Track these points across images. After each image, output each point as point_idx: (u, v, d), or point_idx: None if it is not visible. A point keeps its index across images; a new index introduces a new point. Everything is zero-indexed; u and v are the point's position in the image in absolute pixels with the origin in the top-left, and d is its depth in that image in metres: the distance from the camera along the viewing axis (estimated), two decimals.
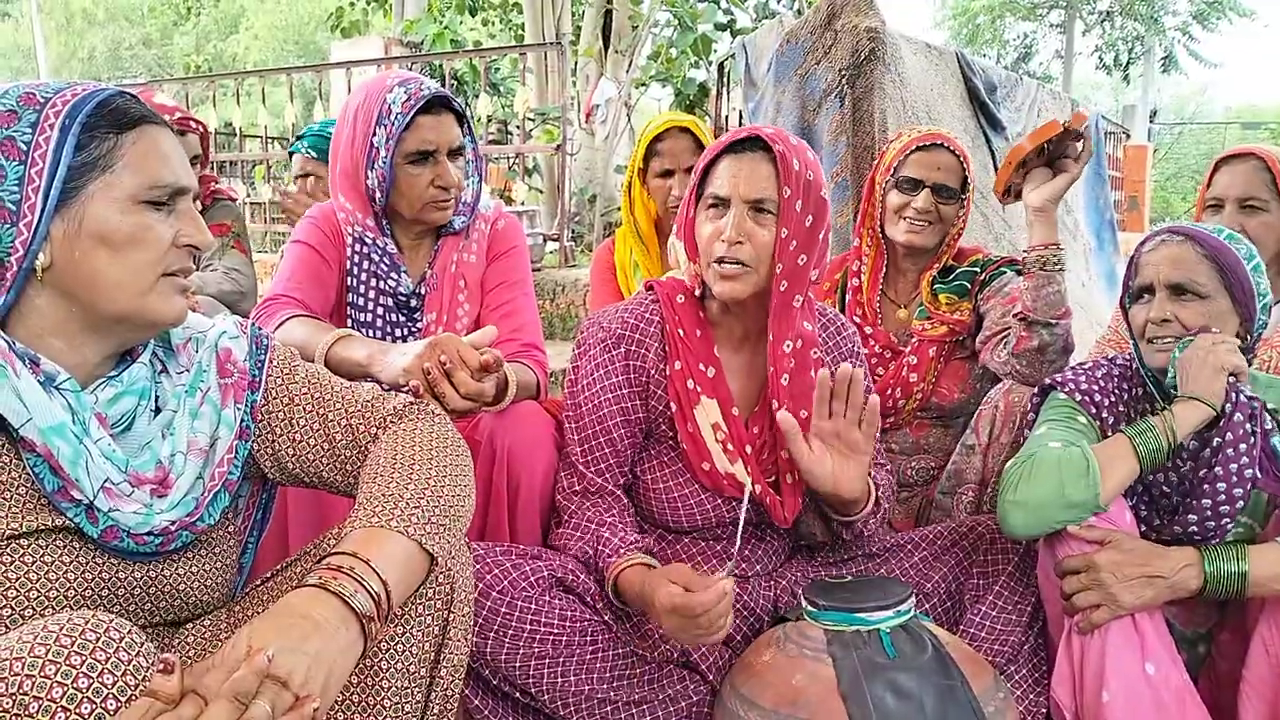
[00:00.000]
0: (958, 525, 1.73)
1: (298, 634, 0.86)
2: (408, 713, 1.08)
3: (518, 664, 1.46)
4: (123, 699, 0.79)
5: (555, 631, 1.48)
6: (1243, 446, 1.45)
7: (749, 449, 1.63)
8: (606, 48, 7.68)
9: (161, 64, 25.00)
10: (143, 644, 0.83)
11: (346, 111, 1.86)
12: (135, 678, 0.80)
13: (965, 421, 2.06)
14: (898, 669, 1.34)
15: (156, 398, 1.14)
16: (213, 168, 2.67)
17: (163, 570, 1.11)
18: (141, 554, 1.08)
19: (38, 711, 0.76)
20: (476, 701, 1.50)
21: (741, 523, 1.40)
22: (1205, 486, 1.47)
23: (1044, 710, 1.56)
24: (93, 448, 1.03)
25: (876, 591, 1.46)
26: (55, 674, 0.77)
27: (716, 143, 1.61)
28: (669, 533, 1.70)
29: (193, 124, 2.57)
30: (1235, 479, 1.46)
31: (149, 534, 1.07)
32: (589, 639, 1.51)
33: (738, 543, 1.41)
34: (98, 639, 0.80)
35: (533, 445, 1.68)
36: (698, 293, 1.64)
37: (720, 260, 1.54)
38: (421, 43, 8.32)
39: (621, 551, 1.52)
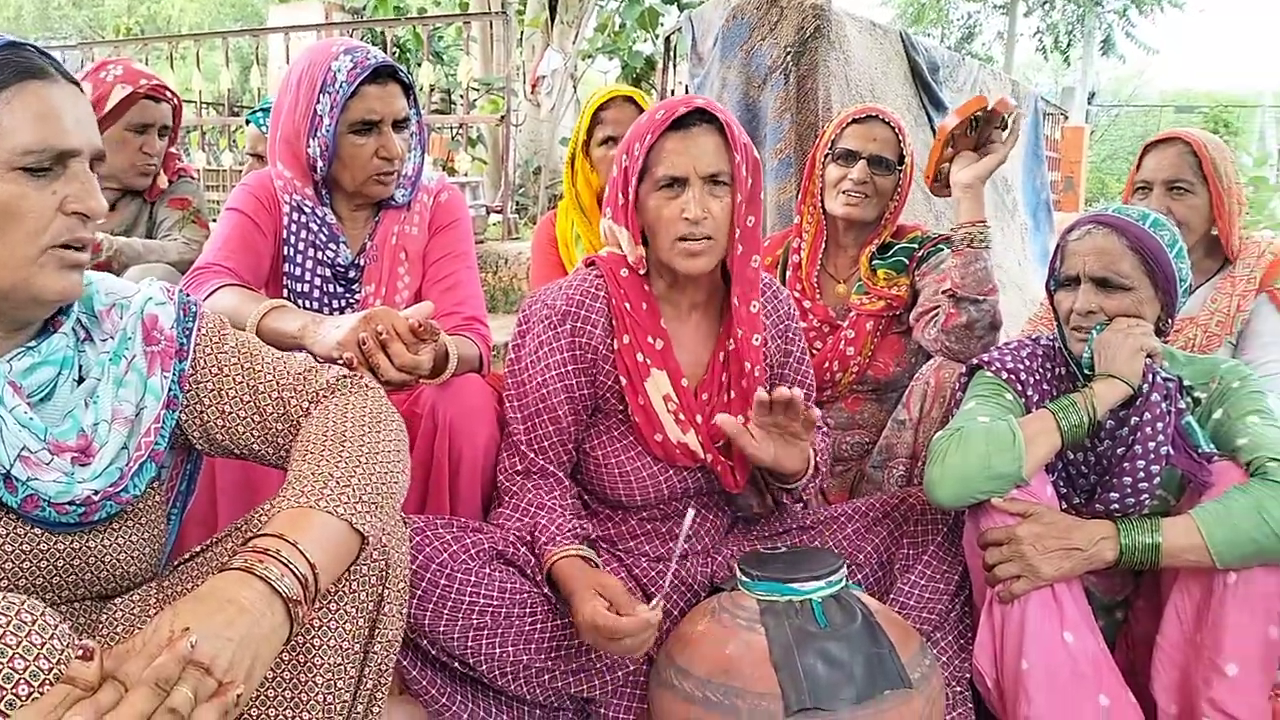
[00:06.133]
0: (889, 498, 1.77)
1: (222, 619, 0.85)
2: (341, 688, 1.07)
3: (456, 636, 1.46)
4: (35, 684, 0.77)
5: (494, 604, 1.48)
6: (1160, 425, 1.51)
7: (699, 418, 1.64)
8: (553, 18, 7.59)
9: (92, 26, 24.01)
10: (57, 626, 0.80)
11: (289, 78, 1.81)
12: (49, 661, 0.78)
13: (898, 396, 2.10)
14: (828, 638, 1.37)
15: (80, 367, 1.10)
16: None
17: (88, 542, 1.09)
18: (64, 525, 1.05)
19: None
20: (414, 672, 1.50)
21: (681, 543, 1.41)
22: (1125, 464, 1.53)
23: (967, 675, 1.62)
24: (6, 416, 1.00)
25: (809, 562, 1.48)
26: None
27: (655, 120, 1.55)
28: (618, 510, 1.71)
29: (167, 93, 2.52)
30: (1153, 456, 1.51)
31: (70, 503, 1.04)
32: (528, 610, 1.52)
33: (673, 565, 1.42)
34: (8, 622, 0.77)
35: (474, 418, 1.68)
36: (642, 271, 1.64)
37: (684, 238, 1.54)
38: (363, 8, 8.14)
39: (558, 540, 1.52)
